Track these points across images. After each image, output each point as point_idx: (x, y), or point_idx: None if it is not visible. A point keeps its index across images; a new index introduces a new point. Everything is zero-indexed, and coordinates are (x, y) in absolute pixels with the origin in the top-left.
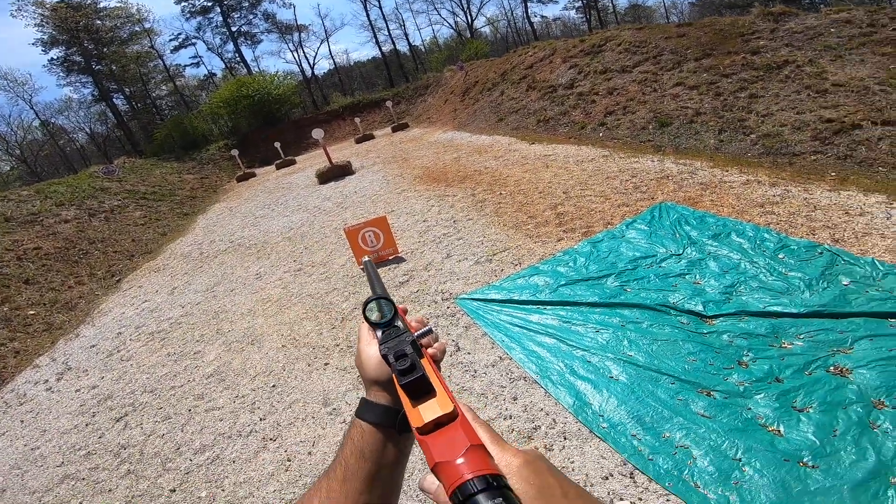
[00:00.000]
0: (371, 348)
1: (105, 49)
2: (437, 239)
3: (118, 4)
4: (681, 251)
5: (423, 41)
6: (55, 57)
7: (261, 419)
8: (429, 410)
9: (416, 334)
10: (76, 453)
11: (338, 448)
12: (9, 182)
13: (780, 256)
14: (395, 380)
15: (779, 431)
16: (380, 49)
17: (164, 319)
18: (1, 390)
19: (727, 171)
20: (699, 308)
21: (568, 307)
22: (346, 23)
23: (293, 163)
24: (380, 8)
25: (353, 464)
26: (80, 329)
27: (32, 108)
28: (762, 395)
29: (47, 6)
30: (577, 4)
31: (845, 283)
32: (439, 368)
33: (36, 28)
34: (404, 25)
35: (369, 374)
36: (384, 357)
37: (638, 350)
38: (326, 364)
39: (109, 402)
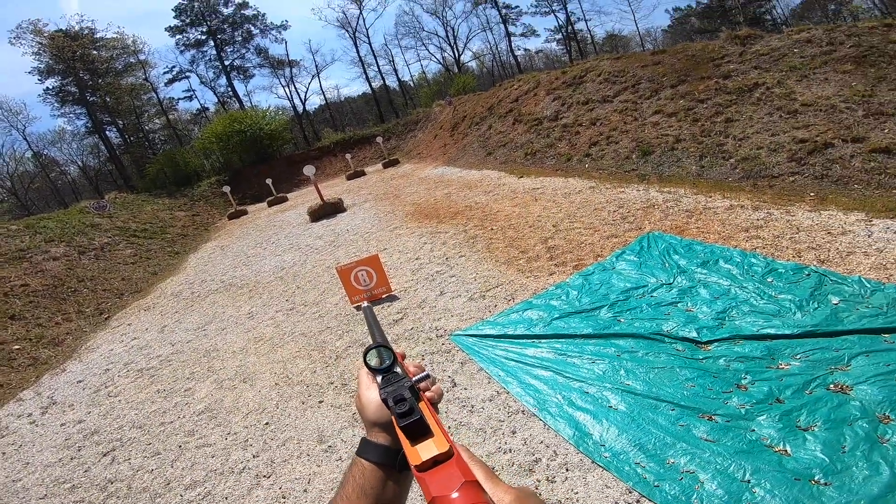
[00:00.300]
0: (371, 392)
1: (100, 80)
2: (431, 276)
3: (114, 35)
4: (671, 280)
5: (411, 76)
6: (51, 87)
7: (254, 456)
8: (426, 450)
9: (413, 379)
10: (60, 486)
11: (338, 486)
12: None
13: (769, 280)
14: (395, 422)
15: (786, 451)
16: (370, 85)
17: (153, 357)
18: None
19: (710, 196)
20: (693, 335)
21: (563, 340)
22: (336, 58)
23: (285, 200)
24: (369, 44)
25: (354, 500)
26: (67, 364)
27: (26, 139)
28: (764, 416)
29: (45, 35)
30: (557, 37)
31: (835, 302)
32: (437, 410)
33: (33, 56)
34: (393, 61)
35: (369, 416)
36: (384, 401)
37: (635, 379)
38: (321, 402)
39: (96, 436)
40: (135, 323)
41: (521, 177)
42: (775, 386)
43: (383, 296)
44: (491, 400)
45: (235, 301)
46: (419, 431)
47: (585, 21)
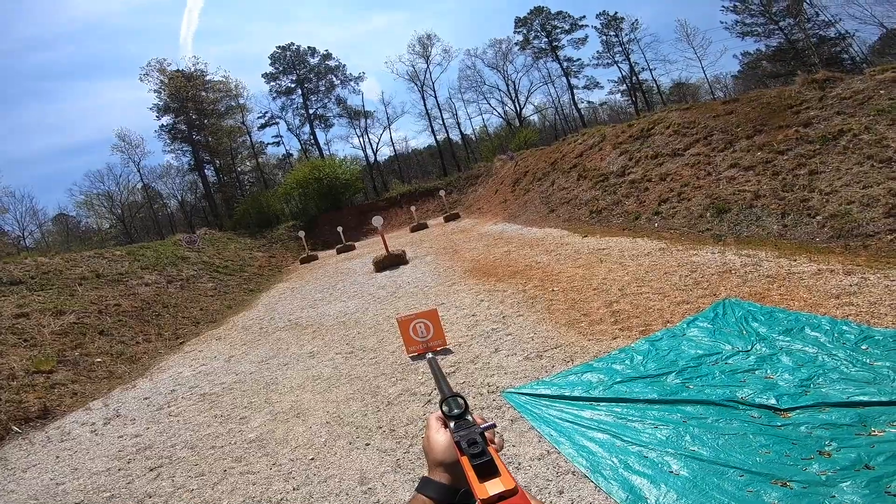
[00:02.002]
0: (440, 435)
1: (205, 120)
2: (486, 333)
3: (220, 79)
4: (749, 347)
5: (473, 130)
6: (165, 124)
7: (294, 489)
8: (494, 486)
9: (482, 427)
10: (99, 494)
11: None
12: (106, 240)
13: (864, 348)
14: (468, 461)
15: None
16: (435, 138)
17: (217, 383)
18: (47, 426)
19: (795, 260)
20: (772, 402)
21: (624, 404)
22: (405, 111)
23: (352, 248)
24: (435, 97)
25: None
26: (138, 381)
27: (139, 171)
28: (849, 482)
29: (167, 73)
30: (621, 88)
31: None
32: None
33: (154, 94)
34: (456, 115)
35: (437, 456)
36: (457, 443)
37: (702, 445)
38: (367, 444)
39: (148, 451)
40: (205, 350)
41: (586, 236)
42: (865, 452)
43: (438, 348)
44: (540, 459)
45: (299, 340)
46: (489, 471)
47: (650, 71)
